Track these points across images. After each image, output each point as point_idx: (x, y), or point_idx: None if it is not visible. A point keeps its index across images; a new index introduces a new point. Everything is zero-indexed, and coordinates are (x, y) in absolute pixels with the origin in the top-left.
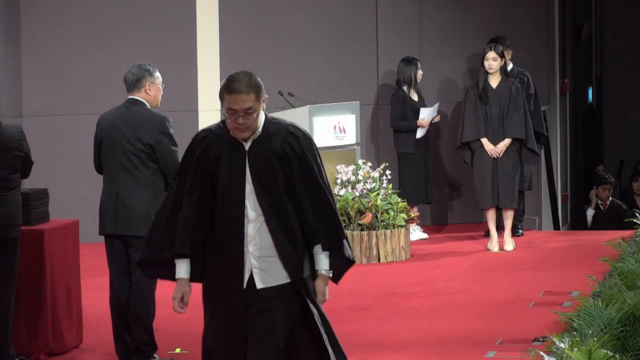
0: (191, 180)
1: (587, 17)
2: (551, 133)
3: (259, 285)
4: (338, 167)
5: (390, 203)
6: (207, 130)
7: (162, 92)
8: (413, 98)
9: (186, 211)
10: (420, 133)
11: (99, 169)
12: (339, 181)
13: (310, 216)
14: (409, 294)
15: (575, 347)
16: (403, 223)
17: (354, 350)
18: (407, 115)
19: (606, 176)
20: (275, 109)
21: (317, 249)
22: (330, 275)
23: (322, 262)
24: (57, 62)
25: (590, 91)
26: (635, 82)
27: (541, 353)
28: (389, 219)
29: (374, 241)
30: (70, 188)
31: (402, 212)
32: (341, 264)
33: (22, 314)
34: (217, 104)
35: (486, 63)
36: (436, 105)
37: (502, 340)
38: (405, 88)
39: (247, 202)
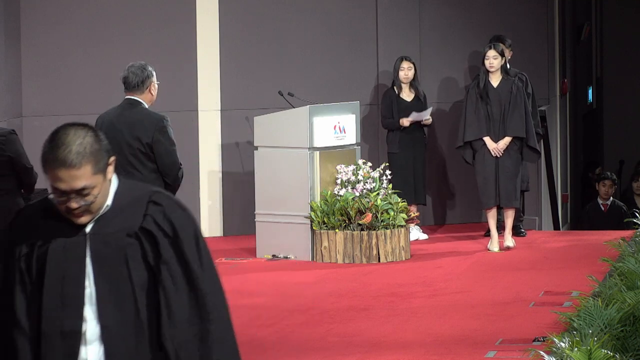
0: (8, 283)
1: (587, 18)
2: (551, 133)
3: None
4: (338, 167)
5: (390, 203)
6: (31, 208)
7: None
8: (404, 97)
9: (8, 330)
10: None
11: None
12: (339, 181)
13: (176, 330)
14: (409, 294)
15: (575, 347)
16: (403, 223)
17: (354, 350)
18: (394, 115)
19: (607, 173)
20: (275, 109)
21: None
22: None
23: None
24: (57, 62)
25: (590, 91)
26: (635, 82)
27: (541, 353)
28: (389, 219)
29: (374, 241)
30: None
31: (402, 212)
32: None
33: None
34: (217, 104)
35: (487, 62)
36: (427, 111)
37: (502, 340)
38: (395, 88)
39: (86, 313)
